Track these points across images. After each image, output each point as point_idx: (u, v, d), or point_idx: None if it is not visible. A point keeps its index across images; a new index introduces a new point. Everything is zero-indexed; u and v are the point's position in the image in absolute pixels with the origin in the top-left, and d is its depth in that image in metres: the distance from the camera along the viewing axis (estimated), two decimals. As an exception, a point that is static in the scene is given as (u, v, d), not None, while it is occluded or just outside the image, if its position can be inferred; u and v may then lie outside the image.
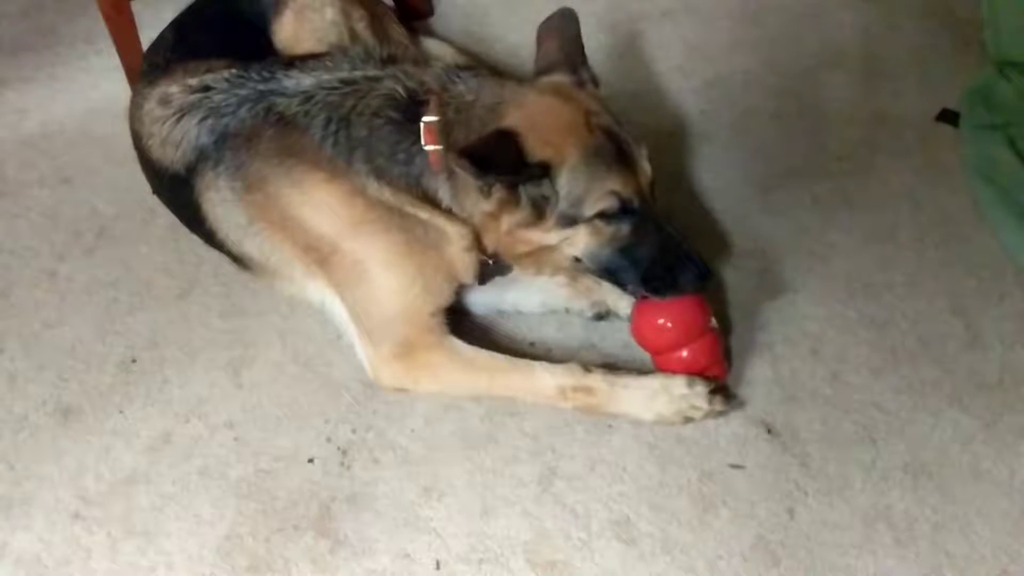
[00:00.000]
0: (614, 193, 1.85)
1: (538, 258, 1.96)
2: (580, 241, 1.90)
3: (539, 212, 1.86)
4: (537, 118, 1.86)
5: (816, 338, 2.15)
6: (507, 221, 1.89)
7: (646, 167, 1.90)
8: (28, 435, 2.05)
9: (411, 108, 1.94)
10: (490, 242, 1.98)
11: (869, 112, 2.76)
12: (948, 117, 2.67)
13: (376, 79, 2.01)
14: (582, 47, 2.03)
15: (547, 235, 1.89)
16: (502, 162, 1.79)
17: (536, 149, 1.80)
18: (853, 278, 2.29)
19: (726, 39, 3.06)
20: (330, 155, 1.96)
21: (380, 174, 1.95)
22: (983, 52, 2.75)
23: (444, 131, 1.90)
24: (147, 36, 2.61)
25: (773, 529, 1.83)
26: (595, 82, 2.03)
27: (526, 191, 1.84)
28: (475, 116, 1.90)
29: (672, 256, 1.90)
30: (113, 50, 2.83)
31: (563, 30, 2.03)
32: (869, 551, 1.78)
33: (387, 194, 1.96)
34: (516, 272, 2.10)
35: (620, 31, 3.08)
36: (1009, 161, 2.47)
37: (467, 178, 1.84)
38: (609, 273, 1.95)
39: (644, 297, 1.97)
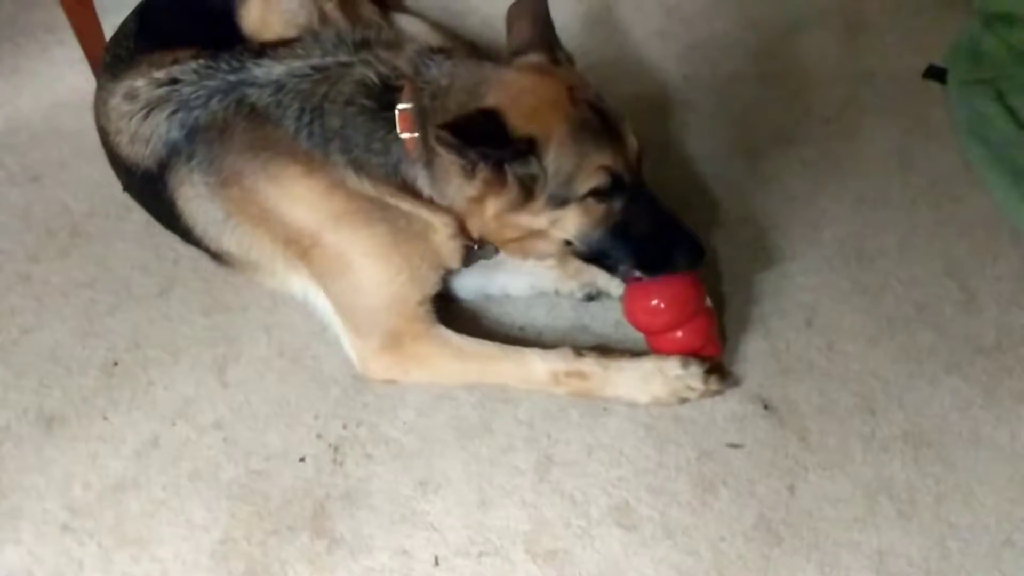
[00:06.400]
0: (605, 168, 1.80)
1: (525, 243, 1.92)
2: (571, 222, 1.85)
3: (528, 193, 1.81)
4: (519, 96, 1.81)
5: (810, 308, 2.13)
6: (493, 205, 1.84)
7: (632, 141, 1.86)
8: (12, 446, 2.00)
9: (384, 95, 1.89)
10: (475, 228, 1.94)
11: (854, 71, 2.71)
12: (935, 73, 2.63)
13: (348, 65, 1.95)
14: (553, 27, 1.98)
15: (536, 218, 1.84)
16: (486, 137, 1.74)
17: (520, 125, 1.75)
18: (846, 244, 2.26)
19: (705, 0, 2.99)
20: (306, 148, 1.91)
21: (358, 166, 1.90)
22: (968, 5, 2.70)
23: (419, 118, 1.85)
24: (110, 22, 2.52)
25: (774, 507, 1.81)
26: (570, 60, 1.99)
27: (512, 170, 1.79)
28: (453, 99, 1.84)
29: (666, 232, 1.87)
30: (76, 40, 2.74)
31: (534, 11, 1.98)
32: (872, 525, 1.77)
33: (367, 186, 1.91)
34: (503, 255, 2.05)
35: (597, -3, 3.01)
36: (999, 116, 2.43)
37: (449, 160, 1.80)
38: (600, 255, 1.90)
39: (635, 278, 1.93)
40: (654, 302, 1.91)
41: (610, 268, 1.94)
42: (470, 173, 1.81)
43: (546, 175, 1.79)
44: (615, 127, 1.84)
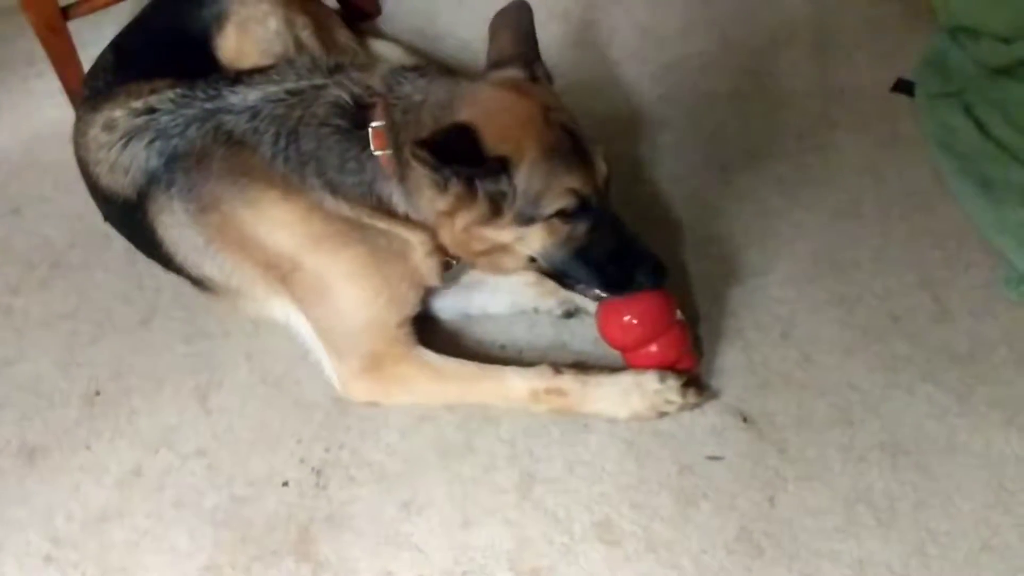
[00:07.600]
0: (572, 191, 1.82)
1: (493, 257, 1.93)
2: (535, 240, 1.87)
3: (496, 208, 1.82)
4: (494, 113, 1.82)
5: (786, 321, 2.14)
6: (462, 219, 1.85)
7: (602, 165, 1.87)
8: (-7, 478, 2.01)
9: (358, 114, 1.90)
10: (445, 240, 1.94)
11: (825, 87, 2.74)
12: (904, 87, 2.66)
13: (321, 87, 1.96)
14: (536, 42, 1.99)
15: (502, 233, 1.86)
16: (460, 154, 1.75)
17: (494, 143, 1.77)
18: (820, 257, 2.28)
19: (679, 21, 3.03)
20: (283, 172, 1.93)
21: (334, 188, 1.91)
22: (934, 19, 2.74)
23: (392, 134, 1.86)
24: (89, 55, 2.53)
25: (755, 519, 1.82)
26: (549, 78, 1.99)
27: (483, 187, 1.80)
28: (427, 114, 1.86)
29: (628, 255, 1.89)
30: (55, 72, 2.75)
31: (518, 23, 1.97)
32: (852, 534, 1.79)
33: (344, 208, 1.92)
34: (479, 272, 2.07)
35: (572, 19, 3.04)
36: (966, 129, 2.46)
37: (423, 174, 1.81)
38: (562, 274, 1.93)
39: (597, 296, 1.96)
40: (626, 318, 1.93)
41: (569, 285, 1.96)
42: (442, 187, 1.82)
43: (515, 193, 1.80)
44: (586, 150, 1.85)
